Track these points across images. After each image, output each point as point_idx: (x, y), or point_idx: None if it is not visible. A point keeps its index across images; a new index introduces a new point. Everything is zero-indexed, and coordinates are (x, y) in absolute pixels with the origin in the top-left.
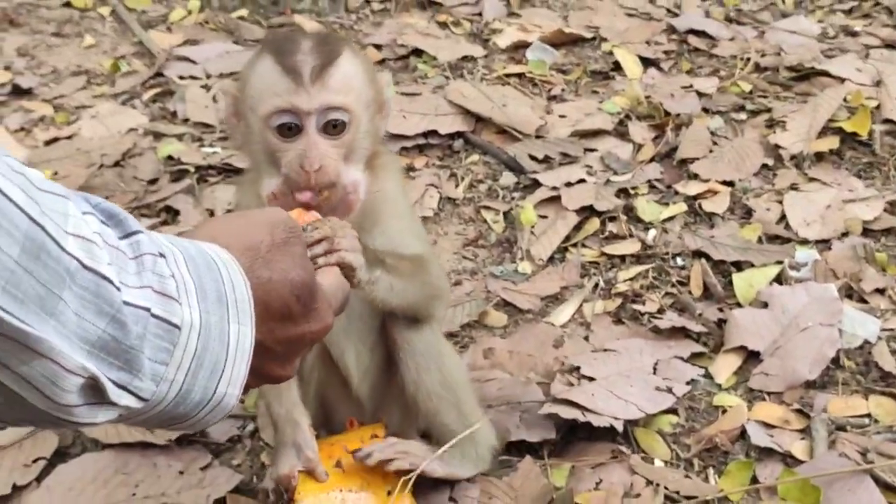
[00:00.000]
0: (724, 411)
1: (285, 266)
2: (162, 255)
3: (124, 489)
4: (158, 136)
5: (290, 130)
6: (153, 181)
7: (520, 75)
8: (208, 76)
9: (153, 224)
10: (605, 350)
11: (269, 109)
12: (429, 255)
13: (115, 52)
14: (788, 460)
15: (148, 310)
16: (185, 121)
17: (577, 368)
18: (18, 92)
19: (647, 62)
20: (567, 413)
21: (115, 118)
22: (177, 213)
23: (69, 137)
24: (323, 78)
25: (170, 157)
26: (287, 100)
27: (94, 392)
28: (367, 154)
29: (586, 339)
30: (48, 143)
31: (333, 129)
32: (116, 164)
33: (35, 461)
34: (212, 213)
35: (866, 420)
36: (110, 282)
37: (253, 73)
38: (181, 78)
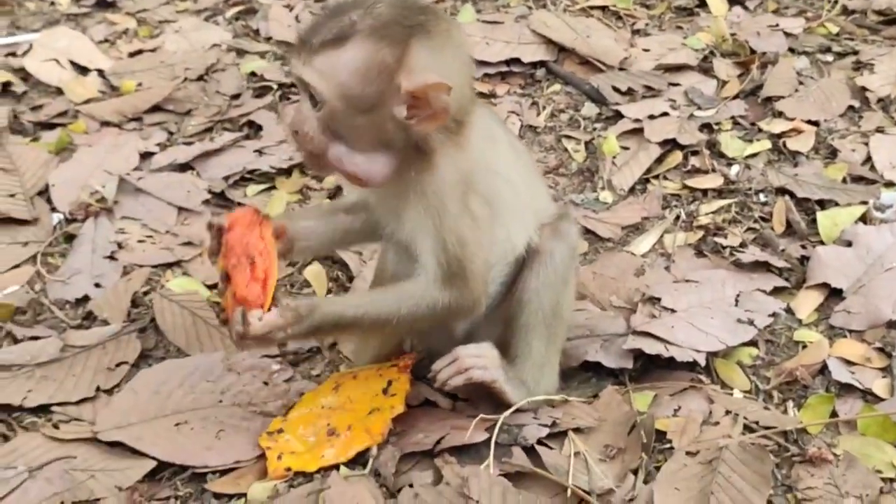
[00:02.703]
0: (805, 346)
1: None
2: None
3: (211, 396)
4: (241, 52)
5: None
6: (236, 96)
7: (603, 8)
8: None
9: (235, 138)
10: (687, 281)
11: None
12: (438, 274)
13: None
14: (868, 397)
15: None
16: (268, 39)
17: (658, 299)
18: (102, 4)
19: (732, 0)
20: (650, 348)
21: (198, 33)
22: (259, 127)
23: (153, 50)
24: (313, 56)
25: (252, 74)
26: (291, 52)
27: None
28: (379, 143)
29: (667, 269)
30: (132, 55)
31: (315, 104)
32: (200, 78)
33: (118, 365)
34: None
35: None
36: None
37: None
38: None
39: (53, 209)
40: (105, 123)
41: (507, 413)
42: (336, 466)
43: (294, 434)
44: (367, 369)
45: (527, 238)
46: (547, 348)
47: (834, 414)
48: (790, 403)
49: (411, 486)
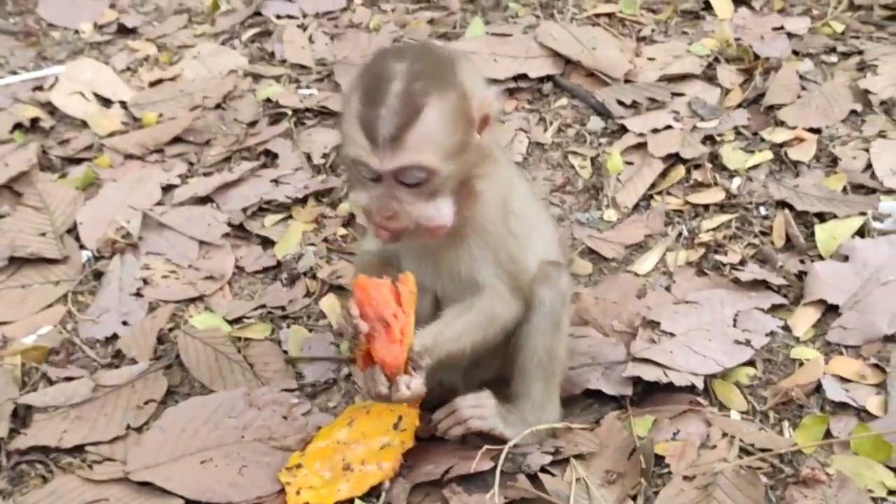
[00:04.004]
0: (801, 364)
1: None
2: None
3: (234, 432)
4: (257, 77)
5: (371, 177)
6: (253, 124)
7: (609, 15)
8: (304, 15)
9: (253, 167)
10: (687, 302)
11: (350, 155)
12: (505, 290)
13: None
14: (863, 415)
15: None
16: (283, 62)
17: (658, 323)
18: (124, 31)
19: (738, 0)
20: (649, 374)
21: (216, 59)
22: (275, 156)
23: (173, 79)
24: (398, 142)
25: (268, 100)
26: (363, 157)
27: None
28: (461, 181)
29: (668, 289)
30: (153, 84)
31: (411, 179)
32: (218, 106)
33: (147, 403)
34: (308, 157)
35: None
36: None
37: (347, 106)
38: (278, 17)
39: (82, 247)
40: (128, 156)
41: (510, 444)
42: (351, 500)
43: (311, 469)
44: (379, 404)
45: (536, 262)
46: (545, 388)
47: (828, 433)
48: (786, 423)
49: None
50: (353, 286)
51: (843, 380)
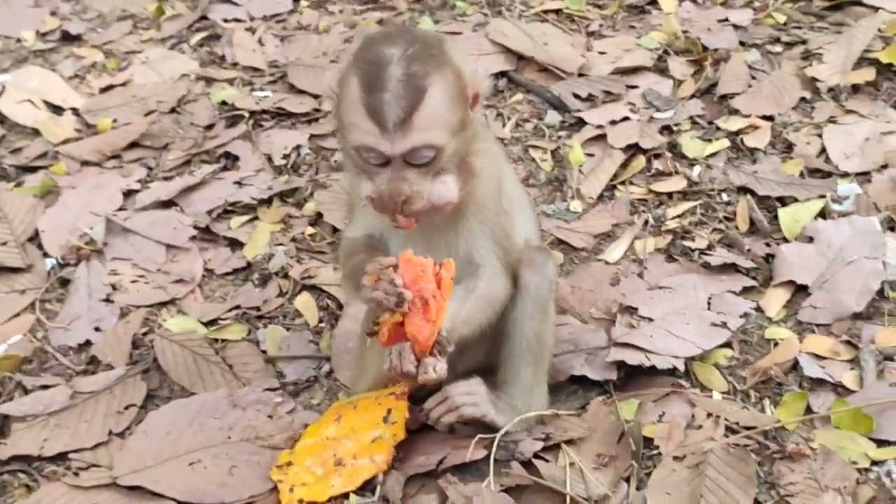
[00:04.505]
0: (776, 344)
1: None
2: None
3: (219, 433)
4: (210, 81)
5: (379, 162)
6: (209, 127)
7: (557, 11)
8: (252, 18)
9: (214, 170)
10: (661, 287)
11: (356, 143)
12: (500, 267)
13: None
14: (840, 390)
15: None
16: (235, 65)
17: (636, 309)
18: (68, 38)
19: None
20: (632, 358)
21: (166, 63)
22: (236, 158)
23: (124, 84)
24: (406, 124)
25: (223, 103)
26: (372, 143)
27: None
28: (461, 158)
29: (640, 276)
30: (103, 90)
31: (420, 159)
32: (172, 110)
33: (127, 408)
34: (269, 159)
35: None
36: None
37: (344, 96)
38: (225, 21)
39: (46, 254)
40: (85, 163)
41: (502, 431)
42: (346, 495)
43: (302, 466)
44: (365, 398)
45: (522, 241)
46: (534, 373)
47: (809, 409)
48: (766, 401)
49: None
50: (400, 259)
51: (819, 357)
